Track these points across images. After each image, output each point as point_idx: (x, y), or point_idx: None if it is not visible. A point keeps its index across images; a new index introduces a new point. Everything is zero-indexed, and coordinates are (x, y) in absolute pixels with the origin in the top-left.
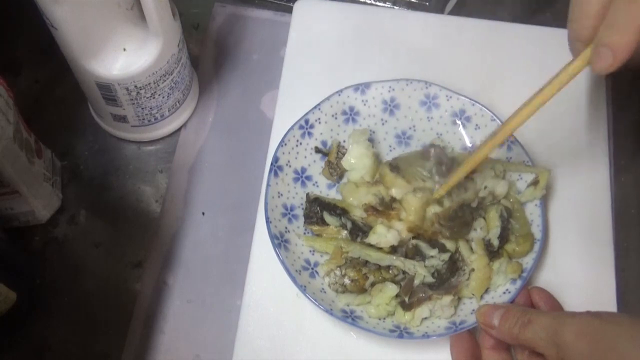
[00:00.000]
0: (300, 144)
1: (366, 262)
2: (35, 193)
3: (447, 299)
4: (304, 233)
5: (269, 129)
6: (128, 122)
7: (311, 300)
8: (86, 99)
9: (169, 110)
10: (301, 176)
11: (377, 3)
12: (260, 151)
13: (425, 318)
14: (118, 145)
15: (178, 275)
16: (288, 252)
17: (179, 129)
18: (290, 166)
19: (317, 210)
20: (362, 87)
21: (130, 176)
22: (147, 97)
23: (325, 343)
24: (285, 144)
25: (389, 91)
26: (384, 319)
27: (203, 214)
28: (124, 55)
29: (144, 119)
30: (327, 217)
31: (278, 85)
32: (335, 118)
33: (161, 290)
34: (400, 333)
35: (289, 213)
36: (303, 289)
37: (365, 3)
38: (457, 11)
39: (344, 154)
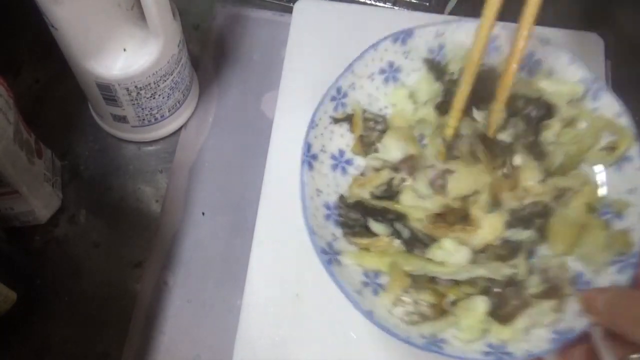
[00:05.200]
0: (331, 120)
1: (433, 277)
2: (36, 193)
3: (548, 303)
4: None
5: (269, 129)
6: (128, 123)
7: (384, 330)
8: (86, 99)
9: (169, 111)
10: (340, 161)
11: (377, 3)
12: (260, 151)
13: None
14: (118, 145)
15: (178, 276)
16: (341, 266)
17: (179, 129)
18: (325, 151)
19: (359, 218)
20: (402, 36)
21: (130, 176)
22: (147, 98)
23: (325, 343)
24: (317, 124)
25: (436, 37)
26: (477, 340)
27: (203, 214)
28: (124, 56)
29: (144, 119)
30: (375, 225)
31: (278, 85)
32: (372, 79)
33: (161, 290)
34: (498, 357)
35: (333, 213)
36: (371, 316)
37: (365, 3)
38: (458, 11)
39: (376, 121)
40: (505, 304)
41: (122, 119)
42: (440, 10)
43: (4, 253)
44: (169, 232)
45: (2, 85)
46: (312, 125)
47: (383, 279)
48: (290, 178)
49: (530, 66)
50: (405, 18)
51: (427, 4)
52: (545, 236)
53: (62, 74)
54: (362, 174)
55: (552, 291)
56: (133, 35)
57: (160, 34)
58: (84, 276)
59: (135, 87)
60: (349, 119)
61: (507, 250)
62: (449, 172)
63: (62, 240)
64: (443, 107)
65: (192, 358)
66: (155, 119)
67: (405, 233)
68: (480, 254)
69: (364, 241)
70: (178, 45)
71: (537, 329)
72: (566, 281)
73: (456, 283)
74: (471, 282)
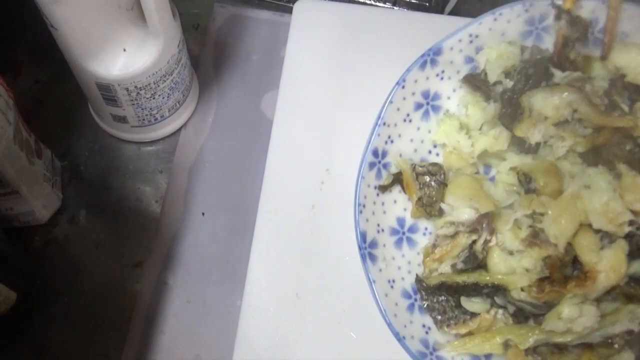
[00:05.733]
0: (378, 190)
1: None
2: (35, 193)
3: None
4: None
5: (269, 129)
6: (128, 123)
7: None
8: (86, 99)
9: (169, 111)
10: (402, 232)
11: (377, 3)
12: (260, 151)
13: None
14: (118, 145)
15: (178, 276)
16: None
17: (179, 130)
18: (383, 230)
19: (448, 299)
20: (430, 57)
21: (130, 176)
22: (147, 98)
23: (325, 343)
24: (365, 206)
25: (471, 41)
26: None
27: (203, 214)
28: (124, 56)
29: (144, 120)
30: (470, 304)
31: (278, 85)
32: (410, 121)
33: (161, 290)
34: None
35: (416, 300)
36: None
37: (365, 3)
38: (457, 11)
39: (431, 173)
40: None
41: (122, 119)
42: (440, 10)
43: (4, 253)
44: (169, 232)
45: (2, 86)
46: (359, 208)
47: None
48: (290, 178)
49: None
50: (405, 18)
51: (427, 4)
52: None
53: (62, 74)
54: (434, 245)
55: None
56: (133, 36)
57: (160, 34)
58: (83, 276)
59: (135, 87)
60: (397, 180)
61: (637, 288)
62: (536, 214)
63: (62, 240)
64: (510, 117)
65: (192, 358)
66: (155, 119)
67: (510, 308)
68: (605, 296)
69: (463, 329)
70: (178, 46)
71: None
72: None
73: (588, 346)
74: (606, 341)
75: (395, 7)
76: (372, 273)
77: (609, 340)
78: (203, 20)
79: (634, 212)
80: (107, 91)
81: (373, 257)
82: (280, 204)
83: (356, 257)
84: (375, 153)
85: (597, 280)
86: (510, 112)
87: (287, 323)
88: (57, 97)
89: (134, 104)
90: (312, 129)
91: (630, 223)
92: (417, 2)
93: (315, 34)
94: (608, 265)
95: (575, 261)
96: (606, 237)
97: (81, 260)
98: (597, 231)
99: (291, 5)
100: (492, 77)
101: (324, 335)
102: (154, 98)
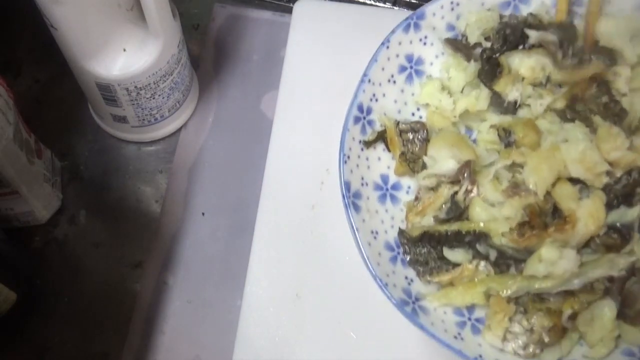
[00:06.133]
0: (362, 145)
1: (539, 295)
2: (35, 193)
3: None
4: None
5: (269, 129)
6: (128, 123)
7: None
8: (86, 99)
9: (169, 111)
10: (386, 189)
11: (377, 3)
12: (260, 151)
13: None
14: (118, 145)
15: (178, 276)
16: (428, 314)
17: (179, 130)
18: (367, 184)
19: (429, 250)
20: (413, 21)
21: (130, 176)
22: (147, 98)
23: (325, 343)
24: (348, 157)
25: (452, 9)
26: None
27: (203, 214)
28: (124, 56)
29: (144, 120)
30: (452, 254)
31: (278, 85)
32: (394, 82)
33: (161, 291)
34: None
35: (399, 253)
36: None
37: (365, 3)
38: None
39: (414, 130)
40: (633, 301)
41: (122, 119)
42: None
43: (4, 253)
44: (169, 233)
45: (2, 86)
46: (344, 158)
47: (479, 312)
48: (290, 178)
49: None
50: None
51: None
52: None
53: (62, 74)
54: (416, 198)
55: None
56: (133, 36)
57: (160, 34)
58: (84, 276)
59: (135, 87)
60: (381, 137)
61: (615, 238)
62: (514, 165)
63: (62, 240)
64: (490, 75)
65: (192, 358)
66: (155, 119)
67: (492, 254)
68: (585, 249)
69: (445, 277)
70: (178, 46)
71: None
72: None
73: (570, 293)
74: (588, 287)
75: (395, 7)
76: (356, 222)
77: (590, 286)
78: (203, 20)
79: (611, 163)
80: (107, 91)
81: (357, 207)
82: (280, 204)
83: (356, 257)
84: (360, 108)
85: (576, 227)
86: (489, 69)
87: (287, 323)
88: (57, 97)
89: (134, 104)
90: (312, 128)
91: (608, 174)
92: (417, 2)
93: (315, 34)
94: (587, 212)
95: (555, 211)
96: (585, 190)
97: (81, 261)
98: (576, 183)
99: (291, 5)
100: (472, 39)
101: (324, 335)
102: (154, 98)
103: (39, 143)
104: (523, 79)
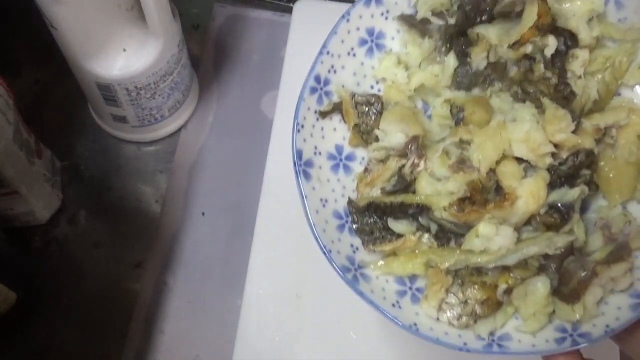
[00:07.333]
0: (318, 115)
1: (478, 268)
2: (35, 193)
3: (619, 266)
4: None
5: (269, 129)
6: (128, 123)
7: (433, 342)
8: (86, 99)
9: (169, 111)
10: (339, 159)
11: None
12: (260, 151)
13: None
14: (118, 145)
15: (178, 276)
16: (369, 281)
17: (179, 130)
18: (320, 153)
19: (376, 221)
20: None
21: (130, 176)
22: (147, 98)
23: (325, 343)
24: (302, 125)
25: None
26: (544, 327)
27: (203, 214)
28: (124, 56)
29: (144, 120)
30: (395, 225)
31: (278, 85)
32: (354, 55)
33: (161, 291)
34: (574, 340)
35: (347, 222)
36: (415, 329)
37: None
38: None
39: (369, 103)
40: (568, 279)
41: (122, 119)
42: None
43: (4, 253)
44: (169, 233)
45: (2, 86)
46: (297, 127)
47: (421, 283)
48: (290, 178)
49: None
50: None
51: None
52: (598, 188)
53: (62, 74)
54: (366, 170)
55: (620, 251)
56: (133, 36)
57: (160, 34)
58: (84, 276)
59: (135, 87)
60: (337, 108)
61: (556, 217)
62: (463, 142)
63: (62, 240)
64: (464, 44)
65: (192, 358)
66: (155, 119)
67: (433, 227)
68: (527, 227)
69: (387, 247)
70: (178, 46)
71: (612, 298)
72: (634, 233)
73: (506, 269)
74: (523, 264)
75: None
76: (305, 189)
77: (525, 262)
78: (203, 20)
79: (556, 145)
80: (107, 91)
81: (307, 175)
82: (280, 204)
83: None
84: (317, 79)
85: (515, 204)
86: (465, 41)
87: (287, 323)
88: (57, 97)
89: (134, 104)
90: None
91: (553, 156)
92: None
93: (315, 34)
94: (528, 191)
95: (498, 189)
96: (530, 169)
97: (81, 260)
98: (520, 162)
99: (291, 5)
100: (420, 14)
101: (324, 335)
102: (154, 98)
103: (39, 143)
104: (493, 46)
